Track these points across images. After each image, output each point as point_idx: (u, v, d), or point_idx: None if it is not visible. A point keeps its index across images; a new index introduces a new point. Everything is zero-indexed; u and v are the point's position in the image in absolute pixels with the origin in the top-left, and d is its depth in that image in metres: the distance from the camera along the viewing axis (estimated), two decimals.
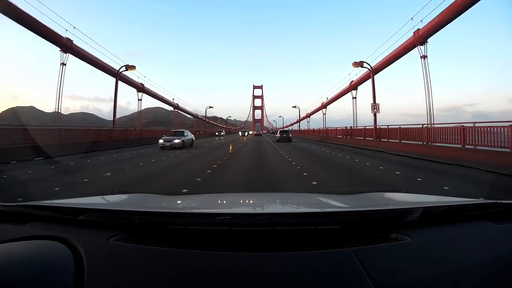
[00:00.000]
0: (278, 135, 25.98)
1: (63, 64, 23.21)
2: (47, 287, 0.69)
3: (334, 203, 1.59)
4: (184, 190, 5.01)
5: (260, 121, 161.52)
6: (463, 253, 0.87)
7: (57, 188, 5.21)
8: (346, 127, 23.28)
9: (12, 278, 0.69)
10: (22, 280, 0.69)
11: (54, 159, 9.94)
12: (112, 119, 22.97)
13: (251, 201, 1.78)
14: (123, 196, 1.70)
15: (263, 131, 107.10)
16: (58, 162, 9.39)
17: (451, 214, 1.09)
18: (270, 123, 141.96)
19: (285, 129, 34.79)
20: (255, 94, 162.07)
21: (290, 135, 25.69)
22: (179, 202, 1.68)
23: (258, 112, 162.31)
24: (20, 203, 1.11)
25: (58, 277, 0.72)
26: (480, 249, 0.89)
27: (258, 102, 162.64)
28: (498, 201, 1.08)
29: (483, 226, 1.02)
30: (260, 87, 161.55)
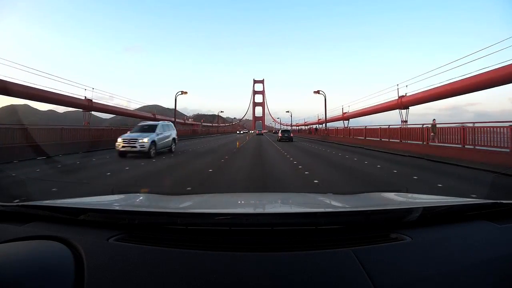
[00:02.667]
0: (279, 134, 28.20)
1: None
2: (47, 287, 0.69)
3: (334, 203, 1.59)
4: (188, 188, 5.05)
5: (261, 118, 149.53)
6: (463, 253, 0.87)
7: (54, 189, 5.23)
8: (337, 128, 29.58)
9: (12, 278, 0.69)
10: (22, 280, 0.69)
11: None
12: (108, 118, 22.98)
13: (251, 201, 1.78)
14: (123, 196, 1.70)
15: (264, 130, 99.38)
16: None
17: (451, 214, 1.09)
18: (277, 120, 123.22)
19: (286, 129, 36.86)
20: (255, 89, 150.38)
21: (292, 135, 27.98)
22: (179, 202, 1.68)
23: (259, 110, 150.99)
24: (20, 203, 1.11)
25: (58, 277, 0.72)
26: (480, 249, 0.89)
27: (259, 98, 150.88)
28: (498, 201, 1.08)
29: (483, 226, 1.02)
30: (262, 81, 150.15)
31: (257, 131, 74.81)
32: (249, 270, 0.76)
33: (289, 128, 48.92)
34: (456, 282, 0.74)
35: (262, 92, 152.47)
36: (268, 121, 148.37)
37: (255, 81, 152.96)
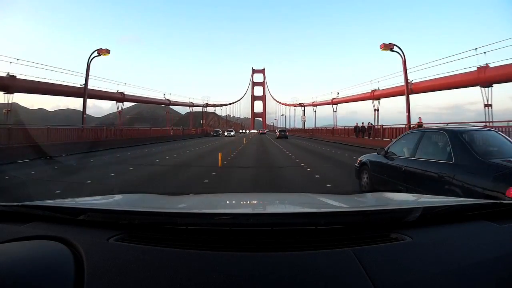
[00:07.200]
0: (277, 133, 37.05)
1: None
2: (47, 287, 0.69)
3: (334, 203, 1.59)
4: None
5: (262, 116, 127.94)
6: (463, 253, 0.87)
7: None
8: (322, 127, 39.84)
9: (12, 278, 0.69)
10: (22, 280, 0.69)
11: None
12: (100, 116, 23.00)
13: (251, 201, 1.79)
14: (123, 196, 1.70)
15: (266, 130, 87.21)
16: None
17: (451, 214, 1.09)
18: (295, 104, 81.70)
19: (283, 129, 44.73)
20: (254, 81, 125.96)
21: (287, 133, 37.01)
22: (179, 202, 1.68)
23: (258, 106, 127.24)
24: (20, 203, 1.11)
25: (58, 277, 0.72)
26: (480, 249, 0.89)
27: (258, 92, 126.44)
28: (498, 201, 1.09)
29: (483, 226, 1.02)
30: (262, 71, 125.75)
31: (260, 131, 73.74)
32: (249, 270, 0.76)
33: (285, 128, 54.68)
34: (456, 282, 0.74)
35: (262, 84, 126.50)
36: (269, 120, 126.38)
37: (254, 71, 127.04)
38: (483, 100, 18.40)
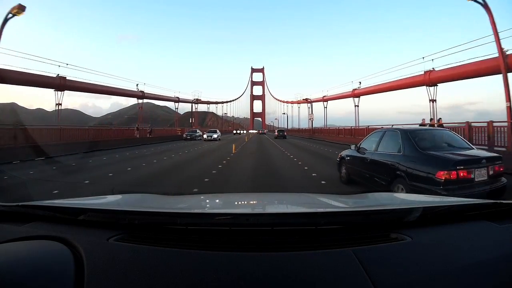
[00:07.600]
0: (276, 133, 37.23)
1: None
2: (47, 287, 0.69)
3: (334, 203, 1.59)
4: (195, 190, 4.90)
5: (261, 115, 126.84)
6: (463, 253, 0.87)
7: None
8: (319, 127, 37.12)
9: (12, 278, 0.69)
10: (22, 280, 0.69)
11: None
12: (99, 116, 21.92)
13: (251, 201, 1.79)
14: (123, 196, 1.70)
15: (265, 130, 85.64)
16: None
17: (451, 214, 1.09)
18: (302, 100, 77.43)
19: (281, 129, 45.17)
20: (253, 80, 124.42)
21: (285, 133, 37.03)
22: (179, 202, 1.68)
23: (257, 106, 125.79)
24: (20, 203, 1.11)
25: (58, 277, 0.72)
26: (480, 249, 0.89)
27: (258, 91, 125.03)
28: (498, 201, 1.09)
29: (483, 226, 1.02)
30: (261, 70, 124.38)
31: (259, 131, 73.18)
32: (249, 270, 0.76)
33: (283, 128, 53.61)
34: (456, 282, 0.74)
35: (262, 83, 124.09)
36: (269, 120, 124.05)
37: (253, 70, 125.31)
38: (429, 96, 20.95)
